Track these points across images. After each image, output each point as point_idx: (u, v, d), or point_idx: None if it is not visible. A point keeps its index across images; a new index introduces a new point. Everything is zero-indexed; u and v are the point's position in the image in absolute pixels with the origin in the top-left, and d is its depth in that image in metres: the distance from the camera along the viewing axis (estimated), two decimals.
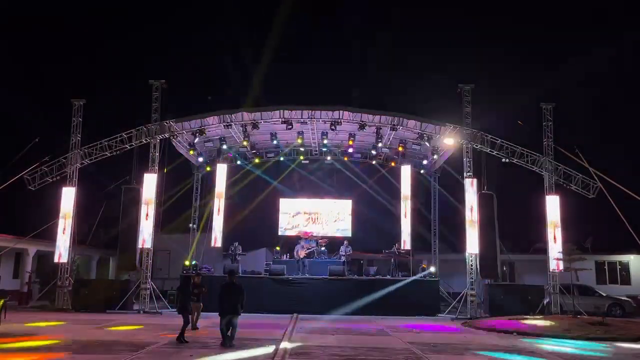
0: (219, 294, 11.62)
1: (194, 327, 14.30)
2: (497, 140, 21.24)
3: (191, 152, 23.39)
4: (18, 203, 25.80)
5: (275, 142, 23.86)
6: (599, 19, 46.69)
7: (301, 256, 23.02)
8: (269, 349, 11.22)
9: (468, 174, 21.15)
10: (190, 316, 13.36)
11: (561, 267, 19.73)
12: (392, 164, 26.56)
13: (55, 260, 20.90)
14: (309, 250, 23.49)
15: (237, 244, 23.22)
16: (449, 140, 21.52)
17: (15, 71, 35.94)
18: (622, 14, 44.86)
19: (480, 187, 21.17)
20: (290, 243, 24.35)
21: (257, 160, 26.77)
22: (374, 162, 26.75)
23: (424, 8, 49.16)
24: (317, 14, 49.78)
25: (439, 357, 10.87)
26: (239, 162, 26.73)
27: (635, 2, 42.84)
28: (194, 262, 22.70)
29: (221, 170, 25.01)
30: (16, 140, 24.43)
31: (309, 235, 25.08)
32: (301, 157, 26.88)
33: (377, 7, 51.65)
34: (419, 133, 22.10)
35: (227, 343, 11.35)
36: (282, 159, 26.85)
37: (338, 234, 26.69)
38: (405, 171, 25.55)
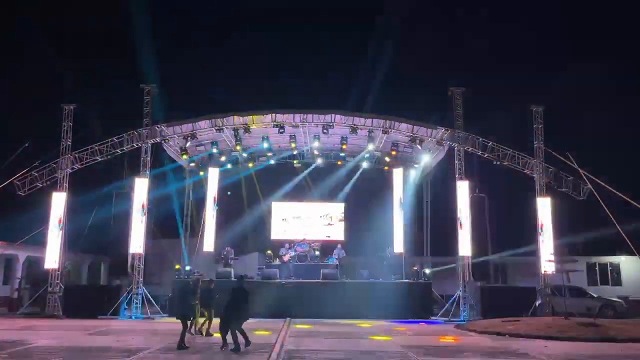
0: (234, 299, 11.61)
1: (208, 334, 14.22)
2: (488, 142, 21.35)
3: (183, 156, 23.30)
4: (8, 208, 25.56)
5: (267, 146, 23.84)
6: (592, 23, 47.15)
7: (285, 260, 22.95)
8: (262, 354, 11.18)
9: (460, 176, 21.24)
10: (191, 322, 13.24)
11: (553, 268, 19.84)
12: (385, 167, 26.62)
13: (46, 266, 20.72)
14: (302, 254, 23.43)
15: (229, 248, 23.14)
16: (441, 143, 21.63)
17: (4, 75, 35.68)
18: (615, 19, 45.29)
19: (471, 190, 21.26)
20: (283, 247, 24.28)
21: (249, 164, 26.75)
22: (366, 166, 26.80)
23: (416, 10, 49.35)
24: (310, 18, 49.94)
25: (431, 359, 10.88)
26: (230, 166, 26.67)
27: (627, 10, 43.27)
28: (187, 267, 22.58)
29: (213, 174, 24.95)
30: (6, 145, 24.23)
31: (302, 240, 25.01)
32: (294, 161, 26.88)
33: (370, 8, 51.78)
34: (410, 136, 22.17)
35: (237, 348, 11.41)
36: (273, 162, 26.84)
37: (331, 238, 26.66)
38: (398, 174, 25.61)
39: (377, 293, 20.67)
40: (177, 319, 12.55)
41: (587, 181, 20.44)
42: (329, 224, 27.51)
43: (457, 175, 21.31)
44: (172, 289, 20.51)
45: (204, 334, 14.24)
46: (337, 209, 27.76)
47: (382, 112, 22.45)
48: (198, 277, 16.30)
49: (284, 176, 27.99)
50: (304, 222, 27.49)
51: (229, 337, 11.55)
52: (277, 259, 23.39)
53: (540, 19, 49.32)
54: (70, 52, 44.76)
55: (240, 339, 11.46)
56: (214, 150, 23.87)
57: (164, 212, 26.44)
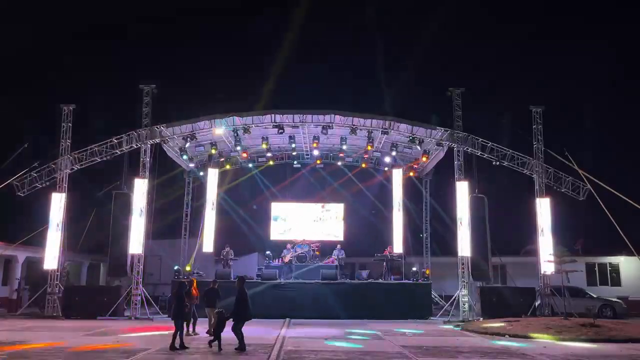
0: (236, 299, 11.66)
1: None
2: (488, 143, 21.37)
3: (182, 156, 23.31)
4: (7, 209, 25.54)
5: (266, 146, 23.84)
6: (589, 23, 47.18)
7: (285, 261, 22.96)
8: (262, 354, 11.18)
9: (459, 177, 21.23)
10: (185, 323, 13.25)
11: (552, 269, 19.84)
12: (384, 167, 26.62)
13: (45, 266, 20.71)
14: (302, 255, 23.42)
15: (228, 248, 23.15)
16: (440, 144, 21.64)
17: (3, 76, 35.69)
18: (612, 16, 45.35)
19: (471, 190, 21.26)
20: (282, 247, 24.31)
21: (249, 165, 26.75)
22: (365, 166, 26.79)
23: (413, 10, 49.40)
24: (308, 19, 49.93)
25: None
26: (230, 167, 26.68)
27: (623, 6, 43.31)
28: (187, 267, 22.57)
29: (212, 175, 24.93)
30: (5, 145, 24.23)
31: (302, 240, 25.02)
32: (294, 162, 26.88)
33: (369, 9, 51.80)
34: (410, 136, 22.19)
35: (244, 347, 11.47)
36: (273, 163, 26.85)
37: (330, 238, 26.64)
38: (397, 175, 25.60)
39: (376, 293, 20.71)
40: (171, 319, 12.56)
41: (586, 182, 20.44)
42: (329, 225, 27.49)
43: (456, 176, 21.31)
44: (171, 289, 20.49)
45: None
46: (336, 209, 27.75)
47: (381, 112, 22.49)
48: (192, 279, 16.29)
49: (283, 177, 28.02)
50: (304, 222, 27.46)
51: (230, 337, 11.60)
52: (277, 260, 23.42)
53: (539, 18, 49.35)
54: (69, 52, 44.81)
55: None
56: (213, 151, 23.89)
57: (164, 213, 26.45)
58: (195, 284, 15.02)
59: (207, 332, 14.21)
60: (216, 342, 11.81)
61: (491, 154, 21.32)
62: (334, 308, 20.11)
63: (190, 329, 14.42)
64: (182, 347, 11.86)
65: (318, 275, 21.39)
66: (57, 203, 21.04)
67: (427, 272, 22.25)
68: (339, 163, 26.64)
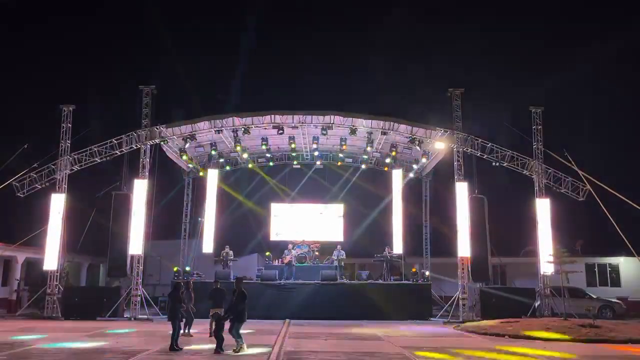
0: (238, 300, 11.60)
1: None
2: (488, 143, 21.35)
3: (182, 157, 23.30)
4: (7, 210, 25.54)
5: (266, 147, 23.83)
6: (590, 22, 47.20)
7: (285, 262, 22.96)
8: (262, 355, 11.17)
9: (459, 177, 21.22)
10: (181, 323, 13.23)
11: (552, 269, 19.83)
12: (384, 168, 26.63)
13: (45, 267, 20.69)
14: (302, 255, 23.40)
15: (228, 249, 23.13)
16: (440, 144, 21.61)
17: (3, 77, 35.69)
18: (610, 16, 45.37)
19: (471, 191, 21.26)
20: (282, 248, 24.30)
21: (248, 166, 26.74)
22: (365, 167, 26.79)
23: (414, 11, 49.40)
24: (308, 17, 49.97)
25: None
26: (229, 167, 26.68)
27: (619, 8, 43.31)
28: (187, 268, 22.56)
29: (212, 176, 24.94)
30: (5, 146, 24.21)
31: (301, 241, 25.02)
32: (293, 163, 26.88)
33: (370, 8, 51.88)
34: (409, 137, 22.18)
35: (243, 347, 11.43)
36: (273, 164, 26.86)
37: (330, 239, 26.62)
38: (397, 175, 25.61)
39: (376, 294, 20.68)
40: (168, 320, 12.54)
41: (586, 182, 20.43)
42: (329, 225, 27.47)
43: (456, 176, 21.30)
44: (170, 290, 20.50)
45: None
46: (336, 210, 27.74)
47: (381, 113, 22.48)
48: (189, 280, 16.29)
49: (283, 177, 28.02)
50: (303, 223, 27.44)
51: (229, 337, 11.57)
52: (277, 260, 23.39)
53: (539, 18, 49.37)
54: (69, 53, 44.82)
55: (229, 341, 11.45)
56: (213, 152, 23.88)
57: (163, 213, 26.46)
58: (192, 285, 14.99)
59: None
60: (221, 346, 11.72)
61: (491, 154, 21.32)
62: (333, 309, 20.10)
63: (186, 330, 14.38)
64: (176, 348, 11.76)
65: (318, 276, 21.38)
66: (57, 204, 21.03)
67: (427, 272, 22.25)
68: (339, 163, 26.65)
